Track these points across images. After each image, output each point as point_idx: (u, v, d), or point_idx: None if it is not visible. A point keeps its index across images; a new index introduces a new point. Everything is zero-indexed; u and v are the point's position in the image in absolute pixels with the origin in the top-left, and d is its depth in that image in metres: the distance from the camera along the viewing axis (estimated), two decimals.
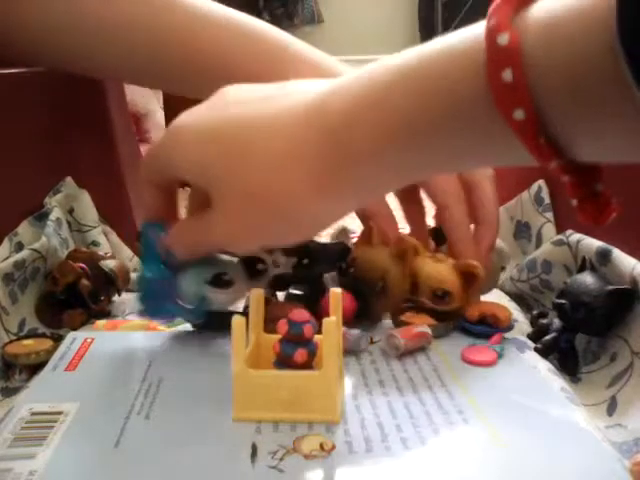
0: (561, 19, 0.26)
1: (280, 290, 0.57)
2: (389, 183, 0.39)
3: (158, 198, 0.47)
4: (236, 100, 0.40)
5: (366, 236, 0.56)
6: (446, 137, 0.32)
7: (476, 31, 0.29)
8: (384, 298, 0.54)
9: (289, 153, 0.37)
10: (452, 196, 0.53)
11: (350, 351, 0.50)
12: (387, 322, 0.56)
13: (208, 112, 0.41)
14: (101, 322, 0.57)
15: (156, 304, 0.50)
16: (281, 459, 0.38)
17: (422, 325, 0.51)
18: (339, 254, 0.55)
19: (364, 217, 0.59)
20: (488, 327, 0.52)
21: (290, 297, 0.56)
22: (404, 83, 0.32)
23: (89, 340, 0.52)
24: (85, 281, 0.59)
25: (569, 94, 0.27)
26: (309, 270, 0.54)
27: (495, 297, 0.64)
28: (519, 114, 0.27)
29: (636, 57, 0.23)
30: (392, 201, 0.57)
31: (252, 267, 0.51)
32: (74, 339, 0.53)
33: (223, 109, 0.40)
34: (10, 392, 0.50)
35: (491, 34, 0.28)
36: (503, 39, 0.27)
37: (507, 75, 0.27)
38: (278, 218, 0.39)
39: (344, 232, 0.61)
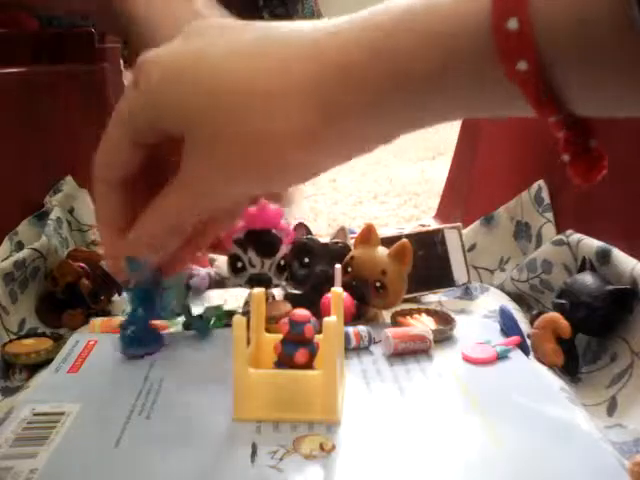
0: None
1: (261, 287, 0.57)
2: (384, 134, 0.35)
3: (132, 164, 0.40)
4: (214, 34, 0.36)
5: (365, 236, 0.56)
6: (445, 87, 0.30)
7: None
8: (382, 297, 0.54)
9: (273, 97, 0.33)
10: None
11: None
12: (388, 322, 0.56)
13: (183, 47, 0.36)
14: (97, 321, 0.57)
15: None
16: (281, 459, 0.38)
17: (423, 328, 0.51)
18: (340, 254, 0.56)
19: None
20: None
21: (289, 297, 0.56)
22: (405, 29, 0.30)
23: (92, 342, 0.53)
24: (85, 281, 0.59)
25: (574, 44, 0.26)
26: (309, 269, 0.54)
27: (495, 297, 0.64)
28: (522, 65, 0.26)
29: None
30: (392, 202, 0.57)
31: (235, 263, 0.52)
32: (77, 341, 0.53)
33: (200, 44, 0.36)
34: (10, 391, 0.50)
35: None
36: None
37: (512, 24, 0.26)
38: (252, 165, 0.35)
39: (343, 232, 0.61)
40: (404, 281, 0.54)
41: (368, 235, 0.56)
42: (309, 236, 0.59)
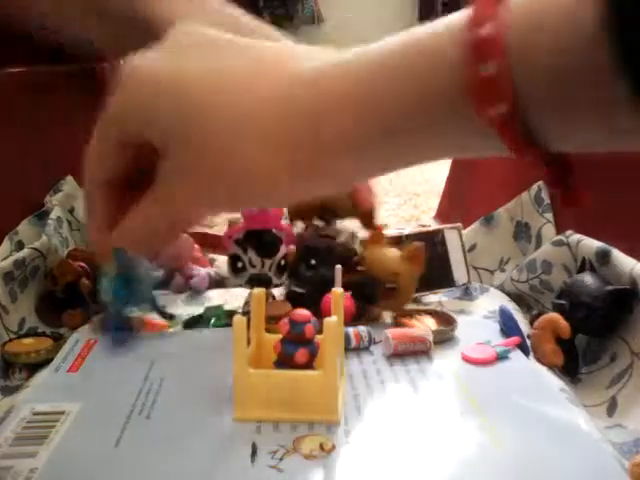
0: (544, 10, 0.25)
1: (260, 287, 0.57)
2: (364, 174, 0.35)
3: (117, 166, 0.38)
4: (198, 43, 0.35)
5: (376, 236, 0.56)
6: (419, 134, 0.30)
7: (449, 24, 0.28)
8: (392, 298, 0.54)
9: (257, 122, 0.32)
10: None
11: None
12: (389, 322, 0.56)
13: (165, 56, 0.35)
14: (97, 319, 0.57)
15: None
16: (281, 459, 0.38)
17: (424, 329, 0.51)
18: (346, 256, 0.56)
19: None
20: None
21: (291, 295, 0.56)
22: (379, 76, 0.30)
23: (92, 341, 0.53)
24: (85, 280, 0.59)
25: (550, 87, 0.26)
26: (315, 270, 0.55)
27: (495, 297, 0.64)
28: (500, 109, 0.26)
29: (625, 43, 0.23)
30: (392, 202, 0.57)
31: (235, 263, 0.52)
32: (77, 340, 0.53)
33: (183, 53, 0.34)
34: (9, 391, 0.50)
35: (474, 25, 0.26)
36: (486, 30, 0.26)
37: (489, 68, 0.26)
38: (230, 187, 0.33)
39: (352, 236, 0.61)
40: (415, 283, 0.55)
41: (379, 236, 0.56)
42: (320, 236, 0.59)
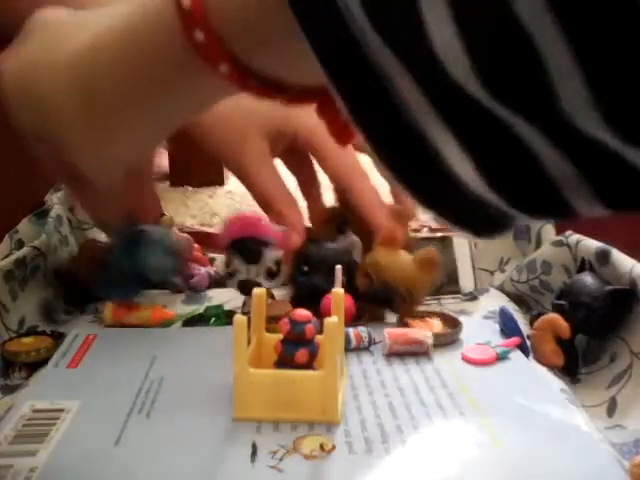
0: None
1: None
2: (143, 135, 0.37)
3: None
4: (42, 28, 0.38)
5: (389, 238, 0.55)
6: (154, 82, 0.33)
7: None
8: (405, 305, 0.54)
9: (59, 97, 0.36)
10: (358, 173, 0.55)
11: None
12: (393, 322, 0.56)
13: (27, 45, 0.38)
14: (110, 306, 0.56)
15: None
16: (281, 459, 0.38)
17: (424, 332, 0.51)
18: (339, 261, 0.55)
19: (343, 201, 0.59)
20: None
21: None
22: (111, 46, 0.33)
23: (91, 337, 0.53)
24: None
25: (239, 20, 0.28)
26: (308, 277, 0.55)
27: (495, 298, 0.64)
28: (199, 35, 0.28)
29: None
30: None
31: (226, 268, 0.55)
32: (77, 335, 0.53)
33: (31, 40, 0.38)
34: (10, 390, 0.50)
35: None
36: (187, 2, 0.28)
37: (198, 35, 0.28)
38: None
39: (353, 244, 0.60)
40: (427, 290, 0.55)
41: (392, 238, 0.55)
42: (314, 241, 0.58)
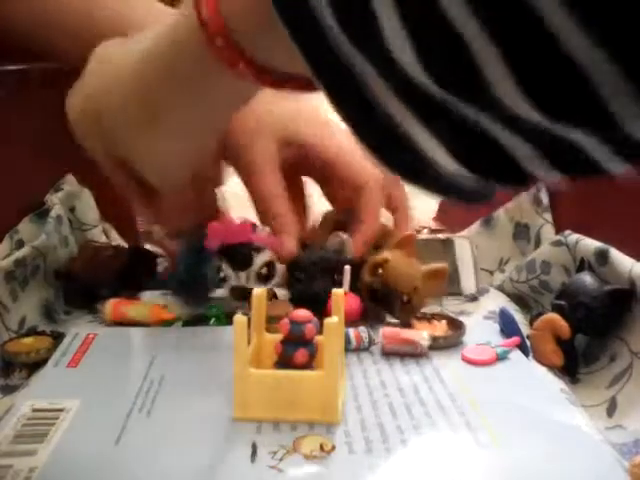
0: None
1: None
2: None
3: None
4: (102, 60, 0.45)
5: (404, 243, 0.56)
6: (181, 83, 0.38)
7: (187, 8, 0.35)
8: (405, 311, 0.54)
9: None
10: (372, 177, 0.58)
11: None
12: (395, 321, 0.56)
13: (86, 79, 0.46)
14: (110, 303, 0.57)
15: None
16: (281, 459, 0.38)
17: (419, 333, 0.51)
18: (332, 267, 0.55)
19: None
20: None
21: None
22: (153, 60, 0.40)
23: (91, 336, 0.53)
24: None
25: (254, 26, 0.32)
26: (302, 284, 0.55)
27: (495, 298, 0.64)
28: (218, 41, 0.32)
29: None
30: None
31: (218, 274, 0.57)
32: (77, 333, 0.53)
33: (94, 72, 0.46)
34: (10, 390, 0.50)
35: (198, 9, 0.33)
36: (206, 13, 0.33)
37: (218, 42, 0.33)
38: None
39: (343, 243, 0.60)
40: (427, 300, 0.56)
41: (408, 244, 0.56)
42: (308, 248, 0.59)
